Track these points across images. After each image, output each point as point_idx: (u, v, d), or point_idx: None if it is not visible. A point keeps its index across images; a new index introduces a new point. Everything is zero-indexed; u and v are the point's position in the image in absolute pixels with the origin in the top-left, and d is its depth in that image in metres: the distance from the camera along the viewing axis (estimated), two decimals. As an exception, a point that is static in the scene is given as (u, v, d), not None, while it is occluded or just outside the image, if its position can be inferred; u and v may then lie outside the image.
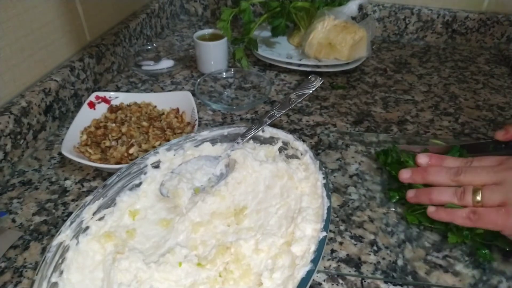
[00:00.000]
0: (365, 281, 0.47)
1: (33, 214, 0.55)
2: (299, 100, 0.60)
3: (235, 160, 0.55)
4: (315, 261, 0.39)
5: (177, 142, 0.57)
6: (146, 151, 0.60)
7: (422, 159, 0.52)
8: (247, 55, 0.86)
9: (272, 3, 0.88)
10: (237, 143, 0.56)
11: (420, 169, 0.52)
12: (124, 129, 0.64)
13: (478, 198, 0.45)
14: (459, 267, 0.48)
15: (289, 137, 0.56)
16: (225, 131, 0.59)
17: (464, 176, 0.47)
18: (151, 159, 0.54)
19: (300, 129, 0.72)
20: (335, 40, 0.86)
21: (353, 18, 0.90)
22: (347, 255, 0.50)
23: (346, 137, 0.69)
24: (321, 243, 0.41)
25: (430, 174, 0.50)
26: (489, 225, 0.44)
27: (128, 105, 0.71)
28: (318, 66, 0.88)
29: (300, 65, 0.88)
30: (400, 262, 0.48)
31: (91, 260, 0.45)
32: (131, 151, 0.60)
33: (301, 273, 0.38)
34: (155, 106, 0.72)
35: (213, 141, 0.58)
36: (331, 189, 0.58)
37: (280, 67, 0.90)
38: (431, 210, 0.49)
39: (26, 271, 0.48)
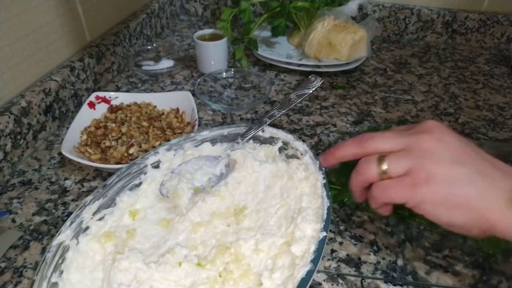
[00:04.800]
0: (365, 281, 0.47)
1: (33, 214, 0.55)
2: (299, 100, 0.60)
3: (235, 160, 0.55)
4: (315, 261, 0.39)
5: (177, 142, 0.57)
6: (146, 151, 0.60)
7: None
8: (247, 55, 0.86)
9: (272, 3, 0.88)
10: (237, 143, 0.56)
11: (330, 148, 0.47)
12: (124, 129, 0.64)
13: (384, 167, 0.39)
14: (459, 267, 0.48)
15: (289, 137, 0.56)
16: (225, 131, 0.58)
17: (370, 143, 0.42)
18: (151, 159, 0.54)
19: (300, 129, 0.72)
20: (335, 40, 0.86)
21: (353, 18, 0.90)
22: (347, 255, 0.50)
23: (346, 137, 0.69)
24: (321, 243, 0.41)
25: (337, 150, 0.46)
26: (395, 198, 0.39)
27: (128, 105, 0.71)
28: (318, 66, 0.88)
29: (300, 65, 0.88)
30: (400, 262, 0.48)
31: (91, 260, 0.45)
32: (131, 151, 0.60)
33: (301, 273, 0.38)
34: (155, 106, 0.72)
35: (213, 141, 0.58)
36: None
37: (280, 67, 0.90)
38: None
39: (26, 271, 0.48)
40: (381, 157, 0.40)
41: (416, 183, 0.37)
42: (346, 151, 0.44)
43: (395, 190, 0.39)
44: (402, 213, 0.48)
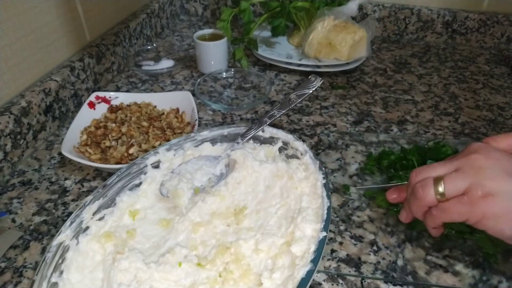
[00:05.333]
0: (365, 281, 0.47)
1: (33, 214, 0.55)
2: (299, 100, 0.60)
3: (235, 160, 0.55)
4: (315, 261, 0.39)
5: (177, 142, 0.57)
6: (146, 151, 0.60)
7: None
8: (247, 55, 0.86)
9: (272, 3, 0.88)
10: (237, 143, 0.56)
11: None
12: (124, 129, 0.64)
13: (441, 189, 0.40)
14: (459, 267, 0.48)
15: (289, 137, 0.56)
16: (225, 131, 0.58)
17: (422, 174, 0.43)
18: (151, 159, 0.54)
19: (300, 129, 0.72)
20: (335, 40, 0.86)
21: (353, 18, 0.90)
22: (347, 255, 0.50)
23: (346, 137, 0.69)
24: (321, 243, 0.41)
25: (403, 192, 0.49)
26: (455, 217, 0.40)
27: (128, 105, 0.71)
28: (318, 66, 0.88)
29: (300, 65, 0.88)
30: (400, 262, 0.48)
31: (91, 260, 0.45)
32: (131, 151, 0.60)
33: (301, 273, 0.38)
34: (155, 106, 0.72)
35: (213, 141, 0.58)
36: (331, 189, 0.58)
37: (280, 67, 0.90)
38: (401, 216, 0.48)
39: (26, 271, 0.48)
40: (437, 180, 0.41)
41: (475, 200, 0.38)
42: (393, 194, 0.48)
43: (455, 209, 0.39)
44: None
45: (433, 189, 0.41)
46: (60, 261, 0.43)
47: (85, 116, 0.66)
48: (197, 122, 0.64)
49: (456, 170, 0.41)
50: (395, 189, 0.50)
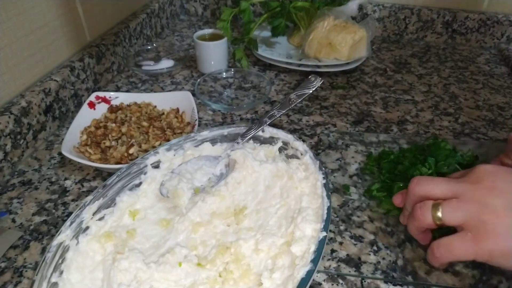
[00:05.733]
0: (365, 281, 0.47)
1: (33, 214, 0.55)
2: (299, 100, 0.60)
3: (235, 160, 0.55)
4: (315, 261, 0.39)
5: (177, 142, 0.57)
6: (146, 151, 0.60)
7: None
8: (247, 55, 0.86)
9: (272, 3, 0.88)
10: (237, 143, 0.56)
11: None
12: (124, 129, 0.64)
13: (439, 214, 0.40)
14: (459, 267, 0.48)
15: (289, 137, 0.56)
16: (225, 131, 0.58)
17: (421, 186, 0.42)
18: (151, 159, 0.54)
19: (300, 129, 0.72)
20: (335, 40, 0.86)
21: (353, 18, 0.90)
22: (347, 255, 0.50)
23: (346, 137, 0.69)
24: (321, 243, 0.41)
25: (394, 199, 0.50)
26: (461, 256, 0.39)
27: (128, 105, 0.71)
28: (318, 66, 0.88)
29: (300, 65, 0.88)
30: (400, 262, 0.48)
31: (91, 260, 0.45)
32: (131, 151, 0.60)
33: (301, 273, 0.38)
34: (155, 106, 0.72)
35: (213, 141, 0.58)
36: (331, 189, 0.58)
37: (280, 67, 0.90)
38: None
39: (26, 271, 0.48)
40: (435, 204, 0.40)
41: (478, 238, 0.37)
42: (398, 198, 0.47)
43: (460, 248, 0.39)
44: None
45: (431, 214, 0.40)
46: (60, 261, 0.43)
47: (85, 116, 0.66)
48: (197, 122, 0.64)
49: (457, 197, 0.39)
50: (401, 193, 0.50)
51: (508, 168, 0.41)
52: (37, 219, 0.55)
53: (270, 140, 0.58)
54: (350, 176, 0.61)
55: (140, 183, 0.53)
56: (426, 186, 0.42)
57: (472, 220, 0.38)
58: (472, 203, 0.38)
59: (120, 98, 0.71)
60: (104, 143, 0.62)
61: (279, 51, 0.94)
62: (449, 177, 0.44)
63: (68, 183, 0.61)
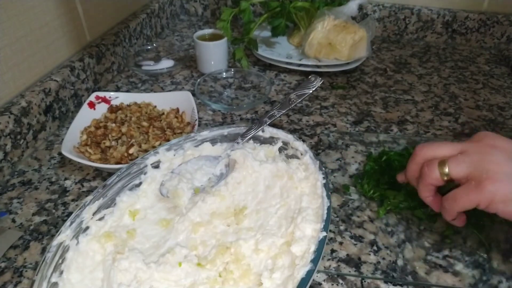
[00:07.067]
0: (365, 281, 0.47)
1: (33, 214, 0.55)
2: (299, 100, 0.60)
3: (235, 160, 0.55)
4: (315, 261, 0.39)
5: (177, 142, 0.57)
6: (146, 151, 0.60)
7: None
8: (247, 55, 0.86)
9: (272, 3, 0.88)
10: (237, 143, 0.56)
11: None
12: (124, 129, 0.64)
13: (446, 170, 0.42)
14: (459, 267, 0.48)
15: (289, 137, 0.56)
16: (225, 131, 0.58)
17: (427, 149, 0.45)
18: (151, 159, 0.54)
19: (300, 129, 0.72)
20: (335, 40, 0.85)
21: (353, 18, 0.90)
22: (347, 255, 0.50)
23: (346, 137, 0.69)
24: (321, 243, 0.41)
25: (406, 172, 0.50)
26: (466, 204, 0.41)
27: (128, 105, 0.71)
28: (318, 66, 0.88)
29: (300, 65, 0.88)
30: (400, 262, 0.48)
31: (91, 260, 0.45)
32: (131, 151, 0.60)
33: (301, 273, 0.38)
34: (155, 106, 0.72)
35: (213, 141, 0.58)
36: (331, 189, 0.58)
37: (280, 67, 0.90)
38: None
39: (26, 271, 0.48)
40: (442, 161, 0.43)
41: (482, 184, 0.40)
42: (410, 169, 0.48)
43: (464, 196, 0.41)
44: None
45: (437, 170, 0.42)
46: (60, 261, 0.43)
47: (85, 116, 0.66)
48: (197, 122, 0.64)
49: (461, 153, 0.42)
50: (403, 172, 0.51)
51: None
52: (37, 219, 0.55)
53: (270, 140, 0.58)
54: (350, 176, 0.61)
55: (140, 183, 0.53)
56: (432, 148, 0.44)
57: (476, 171, 0.40)
58: (476, 155, 0.41)
59: (120, 98, 0.71)
60: (104, 143, 0.62)
61: (279, 51, 0.94)
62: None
63: (68, 183, 0.61)
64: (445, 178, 0.42)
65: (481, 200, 0.40)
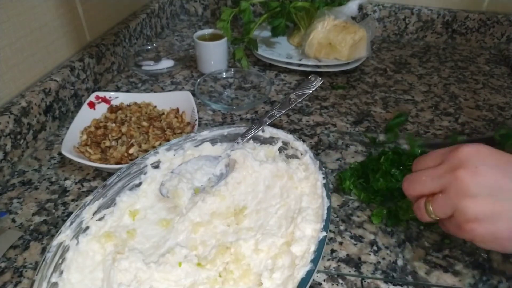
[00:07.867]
0: (365, 281, 0.47)
1: (33, 214, 0.55)
2: (299, 100, 0.60)
3: (235, 160, 0.55)
4: (315, 261, 0.39)
5: (177, 142, 0.57)
6: (146, 151, 0.60)
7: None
8: (247, 55, 0.86)
9: (272, 3, 0.88)
10: (237, 143, 0.56)
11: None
12: (124, 129, 0.64)
13: (432, 215, 0.42)
14: (459, 267, 0.48)
15: (289, 137, 0.56)
16: (225, 131, 0.58)
17: (413, 188, 0.43)
18: (151, 159, 0.54)
19: (300, 129, 0.72)
20: (335, 40, 0.85)
21: (353, 18, 0.90)
22: (347, 255, 0.50)
23: (346, 137, 0.69)
24: (321, 243, 0.41)
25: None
26: (459, 236, 0.42)
27: (128, 105, 0.71)
28: (318, 66, 0.88)
29: (300, 65, 0.88)
30: (400, 262, 0.48)
31: (91, 260, 0.45)
32: (131, 151, 0.60)
33: (301, 273, 0.38)
34: (155, 106, 0.72)
35: (213, 141, 0.58)
36: (331, 189, 0.58)
37: (280, 67, 0.90)
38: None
39: (26, 271, 0.48)
40: (426, 203, 0.42)
41: (461, 225, 0.39)
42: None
43: (451, 229, 0.41)
44: None
45: (426, 213, 0.42)
46: (60, 261, 0.43)
47: (85, 116, 0.66)
48: (197, 122, 0.64)
49: (442, 191, 0.40)
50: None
51: (488, 147, 0.41)
52: (37, 219, 0.55)
53: (270, 140, 0.58)
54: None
55: (140, 183, 0.53)
56: (415, 187, 0.43)
57: (458, 211, 0.39)
58: (456, 194, 0.39)
59: (120, 98, 0.71)
60: (104, 143, 0.62)
61: (279, 51, 0.94)
62: (436, 153, 0.44)
63: (68, 183, 0.61)
64: (435, 217, 0.42)
65: (464, 237, 0.40)
